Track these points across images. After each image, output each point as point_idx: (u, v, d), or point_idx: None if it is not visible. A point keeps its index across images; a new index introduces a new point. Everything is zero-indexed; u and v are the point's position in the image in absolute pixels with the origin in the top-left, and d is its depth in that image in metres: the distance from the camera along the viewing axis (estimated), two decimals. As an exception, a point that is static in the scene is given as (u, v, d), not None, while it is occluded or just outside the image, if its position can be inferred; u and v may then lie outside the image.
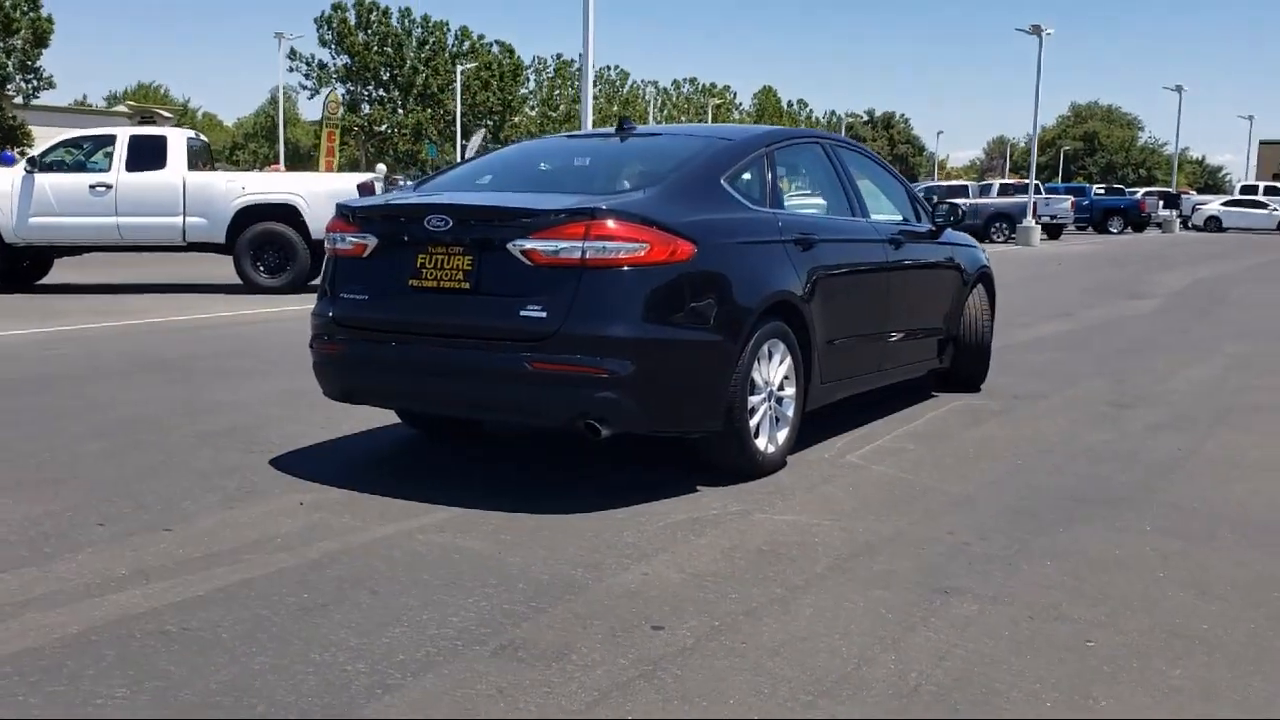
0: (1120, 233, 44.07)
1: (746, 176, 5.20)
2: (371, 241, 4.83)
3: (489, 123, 61.57)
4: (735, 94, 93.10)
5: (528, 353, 4.42)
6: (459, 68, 60.36)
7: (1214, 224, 49.39)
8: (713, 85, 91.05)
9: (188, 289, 14.78)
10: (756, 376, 4.84)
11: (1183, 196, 54.27)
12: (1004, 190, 39.23)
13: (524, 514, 4.38)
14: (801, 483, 4.94)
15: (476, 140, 48.53)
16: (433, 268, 4.66)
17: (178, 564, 3.77)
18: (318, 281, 5.65)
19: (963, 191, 39.22)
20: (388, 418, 6.03)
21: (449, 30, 68.40)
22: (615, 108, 77.15)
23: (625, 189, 5.00)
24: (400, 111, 67.69)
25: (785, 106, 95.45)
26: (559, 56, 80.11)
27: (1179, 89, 55.85)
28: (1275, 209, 49.68)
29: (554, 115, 76.96)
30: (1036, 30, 36.36)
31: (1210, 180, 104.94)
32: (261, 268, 14.17)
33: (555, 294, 4.41)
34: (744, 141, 5.37)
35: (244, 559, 3.83)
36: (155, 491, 4.68)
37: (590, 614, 3.36)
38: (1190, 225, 50.13)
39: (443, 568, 3.77)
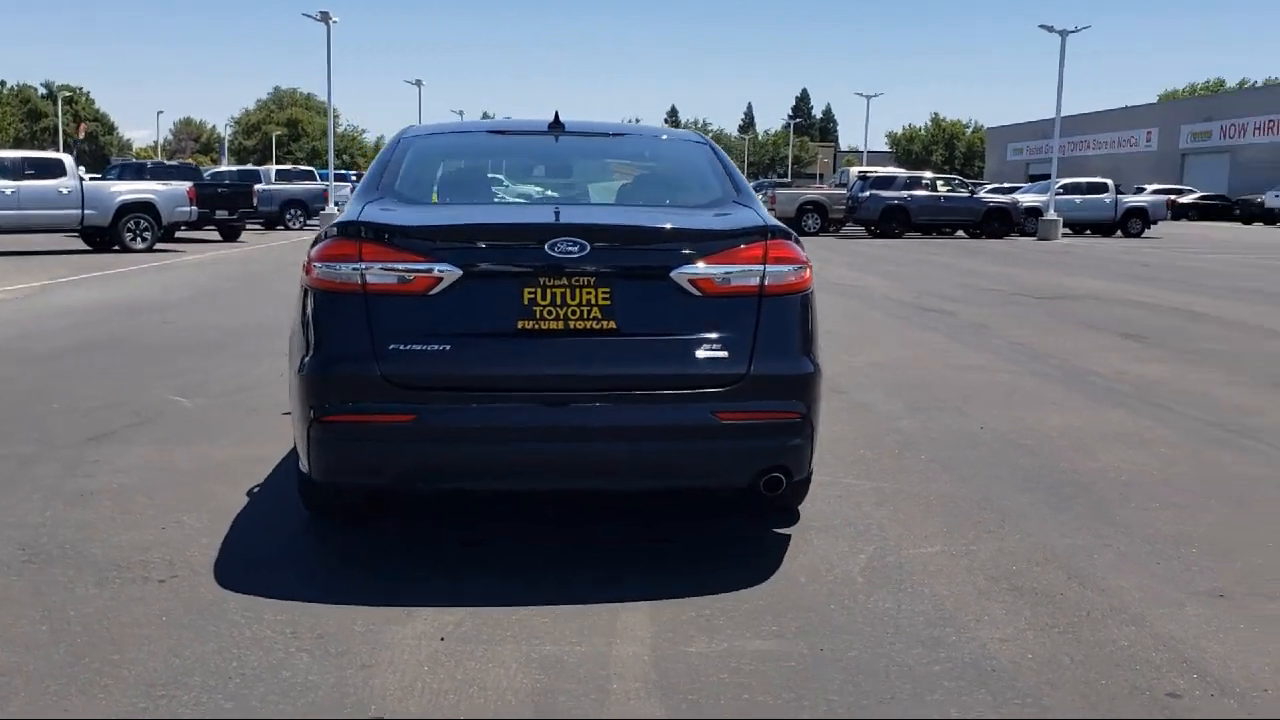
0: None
1: None
2: (450, 273, 3.64)
3: None
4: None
5: (712, 402, 3.63)
6: None
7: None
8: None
9: None
10: None
11: None
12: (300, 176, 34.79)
13: (712, 596, 3.64)
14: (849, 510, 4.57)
15: None
16: (550, 304, 3.65)
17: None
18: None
19: (254, 176, 31.98)
20: (264, 508, 4.66)
21: None
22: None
23: (715, 200, 4.29)
24: None
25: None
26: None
27: (418, 83, 58.98)
28: None
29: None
30: (324, 17, 35.94)
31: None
32: None
33: (731, 329, 3.69)
34: (706, 143, 4.89)
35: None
36: (215, 672, 3.19)
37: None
38: None
39: (808, 689, 2.98)
